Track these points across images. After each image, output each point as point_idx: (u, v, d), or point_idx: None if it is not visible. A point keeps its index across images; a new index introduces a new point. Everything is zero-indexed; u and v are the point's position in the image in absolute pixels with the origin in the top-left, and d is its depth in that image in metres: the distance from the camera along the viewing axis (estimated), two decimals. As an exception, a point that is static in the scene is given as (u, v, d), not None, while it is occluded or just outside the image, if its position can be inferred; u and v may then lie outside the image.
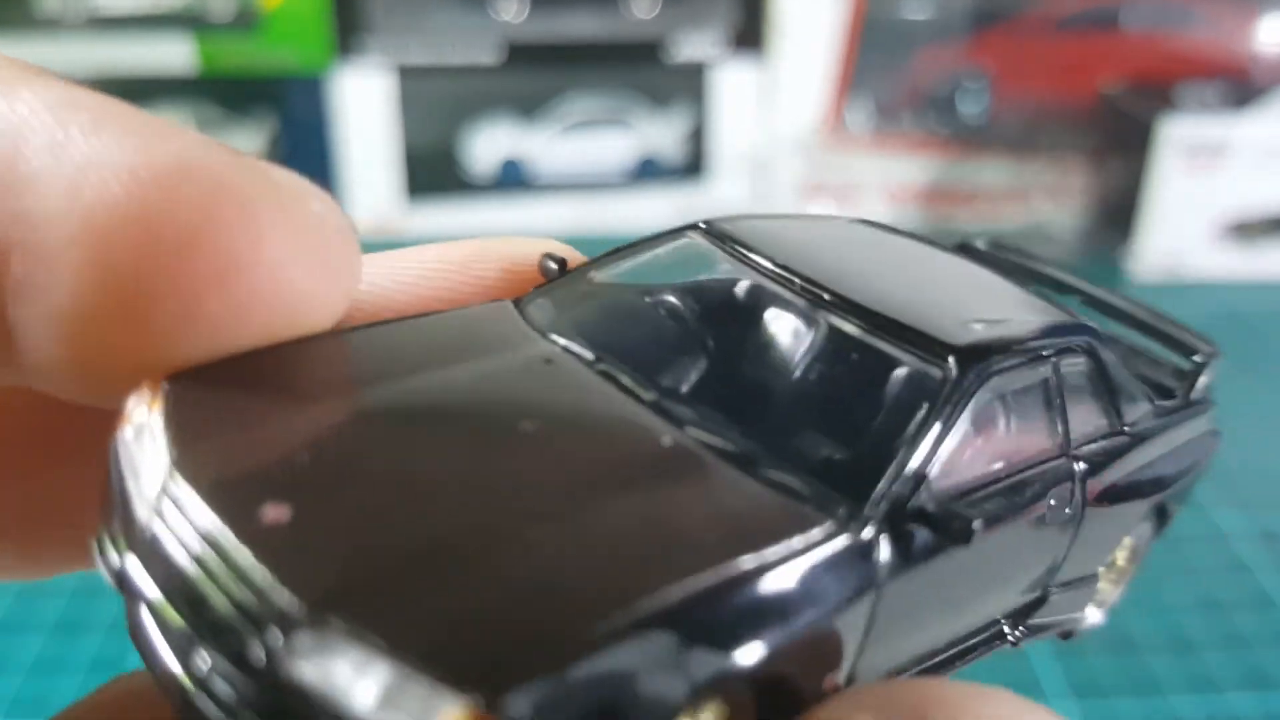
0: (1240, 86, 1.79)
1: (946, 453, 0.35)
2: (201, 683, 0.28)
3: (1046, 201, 1.89)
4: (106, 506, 0.34)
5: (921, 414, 0.35)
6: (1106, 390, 0.43)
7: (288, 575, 0.27)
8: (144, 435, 0.32)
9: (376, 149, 1.83)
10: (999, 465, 0.38)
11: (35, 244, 0.29)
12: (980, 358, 0.37)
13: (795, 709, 0.31)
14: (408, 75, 1.81)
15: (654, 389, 0.38)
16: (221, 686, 0.27)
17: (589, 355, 0.40)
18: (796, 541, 0.32)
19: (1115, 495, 0.44)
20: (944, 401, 0.35)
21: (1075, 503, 0.41)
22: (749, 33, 1.82)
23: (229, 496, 0.30)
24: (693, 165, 1.89)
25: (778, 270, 0.41)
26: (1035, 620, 0.42)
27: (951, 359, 0.36)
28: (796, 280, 0.40)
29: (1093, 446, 0.43)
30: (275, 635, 0.26)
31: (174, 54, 1.79)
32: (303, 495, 0.30)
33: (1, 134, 0.30)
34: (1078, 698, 0.97)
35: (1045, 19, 1.85)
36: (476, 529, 0.30)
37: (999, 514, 0.37)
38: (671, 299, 0.43)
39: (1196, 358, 0.54)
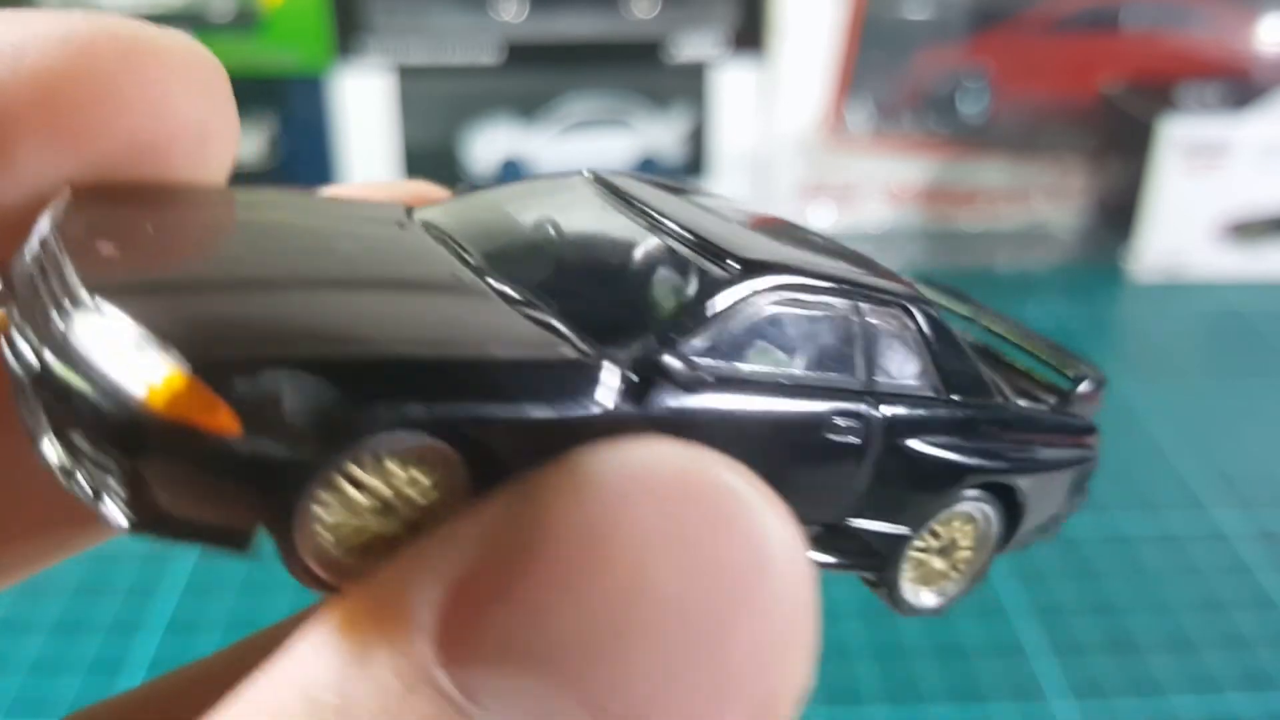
0: (1240, 86, 1.79)
1: (710, 334, 0.39)
2: (15, 358, 0.34)
3: (1046, 201, 1.89)
4: None
5: (691, 298, 0.39)
6: (930, 356, 0.45)
7: (84, 274, 0.33)
8: (42, 218, 0.38)
9: (376, 149, 1.83)
10: (774, 369, 0.40)
11: None
12: (763, 269, 0.40)
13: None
14: (408, 75, 1.81)
15: (482, 259, 0.42)
16: (23, 358, 0.33)
17: (438, 233, 0.44)
18: (537, 350, 0.35)
19: (924, 455, 0.44)
20: (713, 292, 0.39)
21: (869, 436, 0.42)
22: (749, 33, 1.82)
23: (77, 239, 0.35)
24: (693, 165, 1.89)
25: (625, 199, 0.45)
26: (831, 554, 0.44)
27: (734, 264, 0.40)
28: (636, 203, 0.45)
29: (903, 398, 0.44)
30: (59, 311, 0.33)
31: (174, 54, 1.79)
32: (132, 247, 0.36)
33: None
34: (1078, 698, 0.97)
35: (1045, 19, 1.85)
36: (258, 280, 0.36)
37: (740, 385, 0.39)
38: (530, 211, 0.47)
39: (1070, 373, 0.53)
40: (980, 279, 1.72)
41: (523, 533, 0.27)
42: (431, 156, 1.85)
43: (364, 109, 1.82)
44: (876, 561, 0.45)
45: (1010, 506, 0.49)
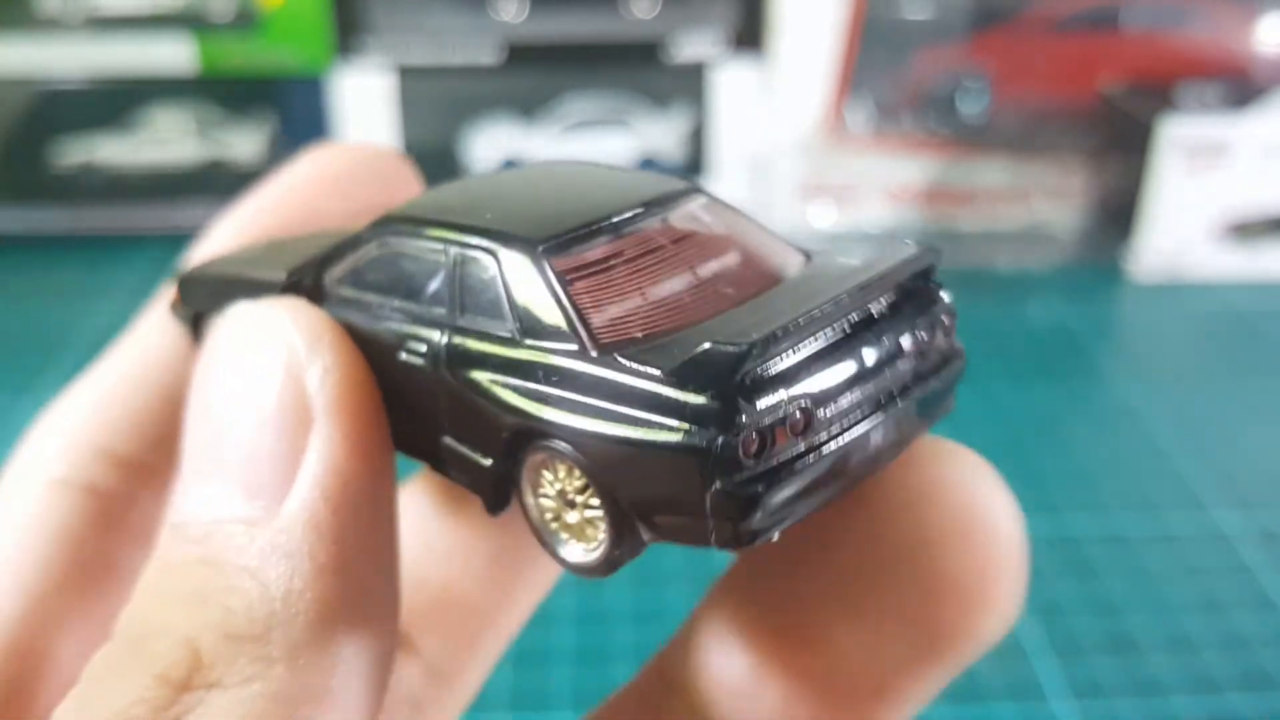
0: (1240, 86, 1.79)
1: (343, 270, 0.51)
2: None
3: (1046, 201, 1.90)
4: None
5: (334, 246, 0.52)
6: (508, 300, 0.47)
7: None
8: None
9: (376, 149, 1.83)
10: (377, 297, 0.51)
11: None
12: (383, 222, 0.51)
13: None
14: (408, 75, 1.81)
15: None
16: None
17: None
18: (260, 276, 0.53)
19: (470, 389, 0.47)
20: (348, 243, 0.52)
21: (433, 363, 0.48)
22: (749, 33, 1.82)
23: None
24: (693, 165, 1.89)
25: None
26: (447, 468, 0.49)
27: (375, 220, 0.51)
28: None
29: (473, 333, 0.47)
30: None
31: (174, 54, 1.79)
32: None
33: None
34: (1078, 698, 0.97)
35: (1045, 19, 1.85)
36: (268, 256, 0.57)
37: (355, 306, 0.50)
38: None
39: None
40: (981, 279, 1.72)
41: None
42: (432, 156, 1.85)
43: (364, 109, 1.82)
44: (475, 486, 0.48)
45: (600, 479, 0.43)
